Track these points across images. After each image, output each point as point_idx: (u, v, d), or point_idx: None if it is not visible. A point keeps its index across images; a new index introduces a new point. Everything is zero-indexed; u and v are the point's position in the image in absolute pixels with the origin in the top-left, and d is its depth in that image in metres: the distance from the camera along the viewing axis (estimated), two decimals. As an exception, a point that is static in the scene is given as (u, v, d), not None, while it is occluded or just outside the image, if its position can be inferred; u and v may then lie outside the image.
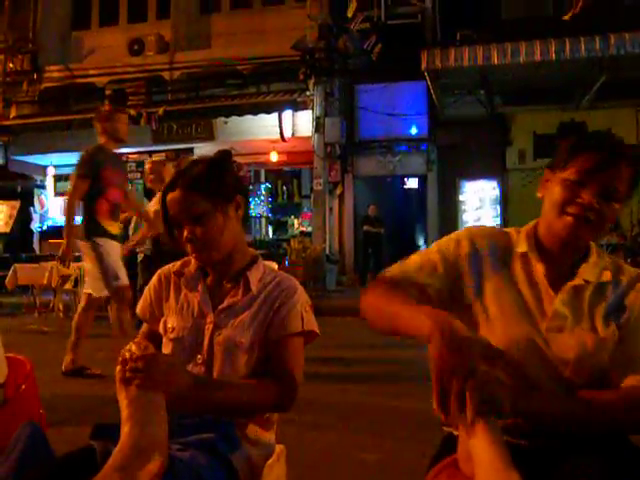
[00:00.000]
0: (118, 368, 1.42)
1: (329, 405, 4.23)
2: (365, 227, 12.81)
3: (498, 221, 11.07)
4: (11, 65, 14.58)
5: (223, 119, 13.23)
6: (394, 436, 3.55)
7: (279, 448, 1.80)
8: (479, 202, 12.33)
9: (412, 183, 13.96)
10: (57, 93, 14.31)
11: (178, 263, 1.85)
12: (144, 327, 1.86)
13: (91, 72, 14.03)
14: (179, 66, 13.75)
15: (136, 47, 14.20)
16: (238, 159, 14.20)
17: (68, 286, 10.16)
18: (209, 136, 13.41)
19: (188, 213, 1.65)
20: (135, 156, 14.84)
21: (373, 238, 12.75)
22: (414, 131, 13.23)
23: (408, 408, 4.00)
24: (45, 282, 10.18)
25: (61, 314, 9.99)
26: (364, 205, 13.20)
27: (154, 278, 1.86)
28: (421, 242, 14.23)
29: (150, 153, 14.26)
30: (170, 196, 1.68)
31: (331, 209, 13.28)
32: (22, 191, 15.65)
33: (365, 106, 13.23)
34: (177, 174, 1.71)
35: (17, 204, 11.66)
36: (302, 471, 2.68)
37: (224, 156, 1.77)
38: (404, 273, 1.51)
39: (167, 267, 1.87)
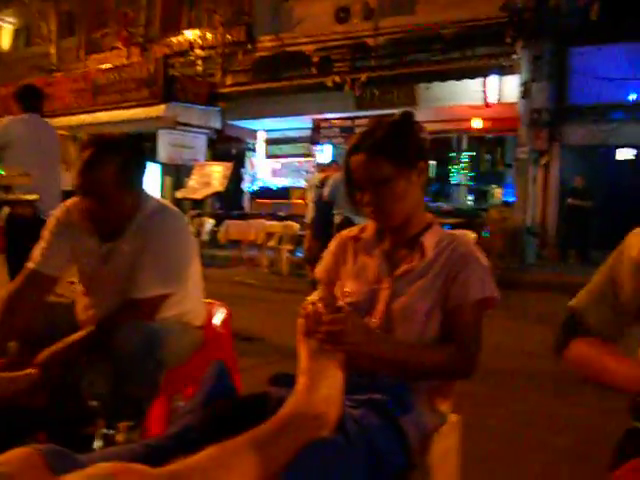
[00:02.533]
0: (301, 321, 1.47)
1: (513, 377, 4.02)
2: (570, 200, 11.96)
3: None
4: (228, 37, 15.59)
5: (425, 85, 13.08)
6: (594, 419, 3.17)
7: (454, 417, 1.74)
8: None
9: (625, 154, 12.72)
10: (269, 61, 15.07)
11: (356, 229, 1.84)
12: (320, 289, 1.87)
13: (300, 40, 14.55)
14: (383, 32, 13.75)
15: (342, 15, 14.41)
16: (440, 126, 14.02)
17: (272, 243, 10.80)
18: (411, 102, 13.30)
19: (372, 177, 1.62)
20: (338, 122, 15.29)
21: (579, 212, 11.86)
22: (632, 97, 12.02)
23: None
24: (252, 238, 10.94)
25: (266, 269, 10.63)
26: (571, 176, 12.32)
27: (332, 243, 1.87)
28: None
29: (353, 119, 14.60)
30: (354, 159, 1.65)
31: (535, 179, 12.60)
32: (236, 153, 16.88)
33: (578, 70, 12.24)
34: (361, 136, 1.67)
35: (231, 165, 12.57)
36: (478, 446, 2.50)
37: (407, 118, 1.69)
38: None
39: (345, 232, 1.86)
